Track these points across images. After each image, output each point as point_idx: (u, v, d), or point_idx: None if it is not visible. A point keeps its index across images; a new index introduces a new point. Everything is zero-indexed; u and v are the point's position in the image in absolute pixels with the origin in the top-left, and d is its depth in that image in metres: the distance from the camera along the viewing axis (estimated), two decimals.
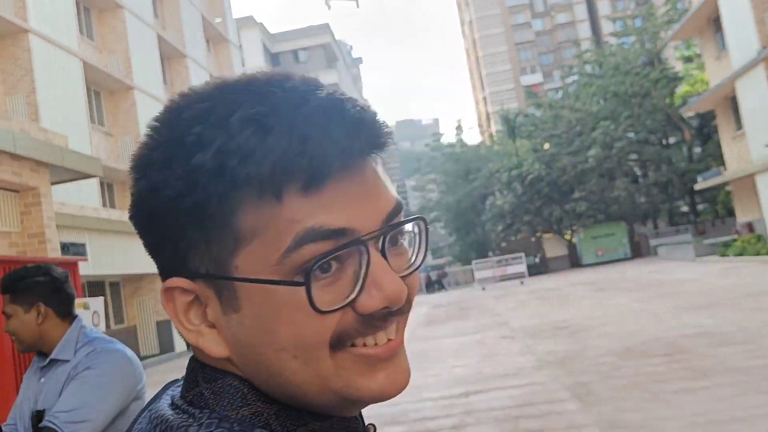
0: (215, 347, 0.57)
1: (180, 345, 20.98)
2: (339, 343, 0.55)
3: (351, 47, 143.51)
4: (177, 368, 17.26)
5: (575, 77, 54.82)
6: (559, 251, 47.48)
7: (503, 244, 47.44)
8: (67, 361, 2.14)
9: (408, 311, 0.61)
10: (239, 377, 0.57)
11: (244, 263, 0.54)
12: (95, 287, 19.28)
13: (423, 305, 30.49)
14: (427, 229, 0.62)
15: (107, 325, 19.35)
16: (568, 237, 47.60)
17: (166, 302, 0.58)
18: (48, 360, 2.18)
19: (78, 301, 7.75)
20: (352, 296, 0.54)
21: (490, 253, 50.73)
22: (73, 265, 9.18)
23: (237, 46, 43.85)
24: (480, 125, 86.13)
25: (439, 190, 63.11)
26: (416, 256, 0.61)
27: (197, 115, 0.54)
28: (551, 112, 48.43)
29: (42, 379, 2.17)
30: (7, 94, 19.84)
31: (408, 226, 0.60)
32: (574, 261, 46.49)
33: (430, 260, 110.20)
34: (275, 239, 0.53)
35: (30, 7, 19.76)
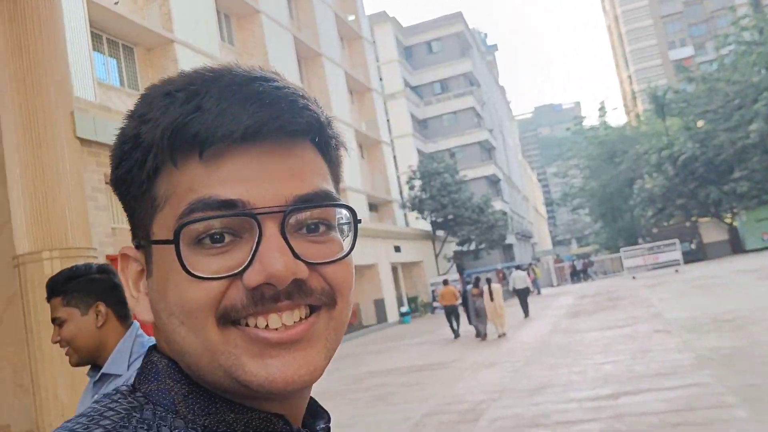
0: (143, 313, 0.60)
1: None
2: (226, 316, 0.54)
3: (486, 35, 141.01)
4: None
5: (731, 47, 50.07)
6: (718, 236, 43.66)
7: (654, 230, 44.40)
8: (119, 375, 1.86)
9: (330, 304, 0.58)
10: (161, 352, 0.59)
11: (157, 228, 0.57)
12: None
13: (568, 295, 29.17)
14: (356, 222, 0.61)
15: None
16: (728, 220, 43.68)
17: (120, 270, 0.62)
18: (100, 374, 1.91)
19: None
20: (239, 269, 0.53)
21: (640, 240, 47.77)
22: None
23: (371, 42, 44.32)
24: (625, 105, 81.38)
25: (583, 176, 60.35)
26: (345, 248, 0.59)
27: (148, 94, 0.59)
28: (705, 86, 44.57)
29: (95, 397, 1.93)
30: None
31: (341, 216, 0.60)
32: (735, 246, 42.57)
33: (574, 249, 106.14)
34: (176, 205, 0.55)
35: (175, 19, 20.95)
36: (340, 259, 0.58)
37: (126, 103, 19.86)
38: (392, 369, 12.63)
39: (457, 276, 34.46)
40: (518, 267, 29.27)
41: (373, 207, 39.06)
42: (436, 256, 37.84)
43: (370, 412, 8.30)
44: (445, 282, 19.64)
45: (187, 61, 21.55)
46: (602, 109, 58.50)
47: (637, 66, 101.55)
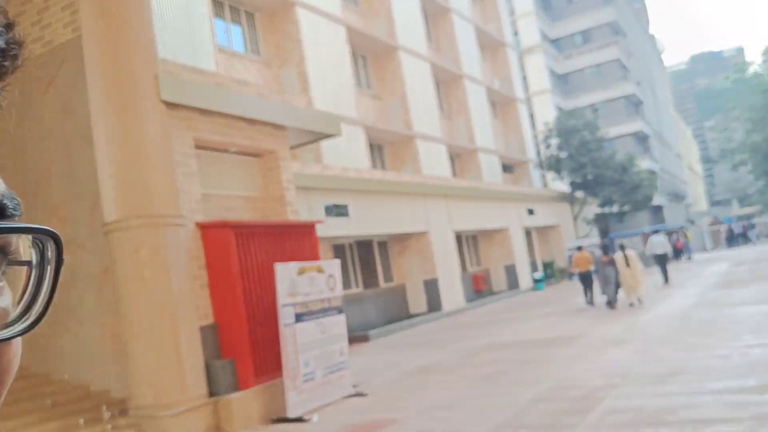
0: None
1: (448, 304, 20.87)
2: None
3: None
4: (444, 327, 17.02)
5: None
6: None
7: None
8: None
9: None
10: None
11: None
12: (363, 247, 19.90)
13: (722, 262, 26.41)
14: (59, 260, 0.36)
15: (375, 284, 19.91)
16: None
17: None
18: None
19: (310, 264, 7.40)
20: None
21: None
22: (310, 227, 9.01)
23: None
24: None
25: (744, 129, 54.53)
26: (23, 305, 0.34)
27: None
28: None
29: None
30: (281, 68, 21.24)
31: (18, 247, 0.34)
32: None
33: (735, 210, 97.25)
34: None
35: None
36: (18, 324, 0.33)
37: (249, 69, 20.06)
38: (511, 343, 11.76)
39: (597, 240, 32.39)
40: (656, 231, 26.96)
41: (507, 168, 37.57)
42: (575, 219, 35.80)
43: (473, 394, 7.56)
44: (579, 248, 18.62)
45: (310, 24, 21.38)
46: (767, 51, 52.17)
47: None
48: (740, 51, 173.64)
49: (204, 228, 7.68)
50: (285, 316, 7.53)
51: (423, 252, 20.85)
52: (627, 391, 6.44)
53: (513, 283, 27.00)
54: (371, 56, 26.53)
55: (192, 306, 7.22)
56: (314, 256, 9.12)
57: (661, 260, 20.04)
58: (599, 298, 16.54)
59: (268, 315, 7.93)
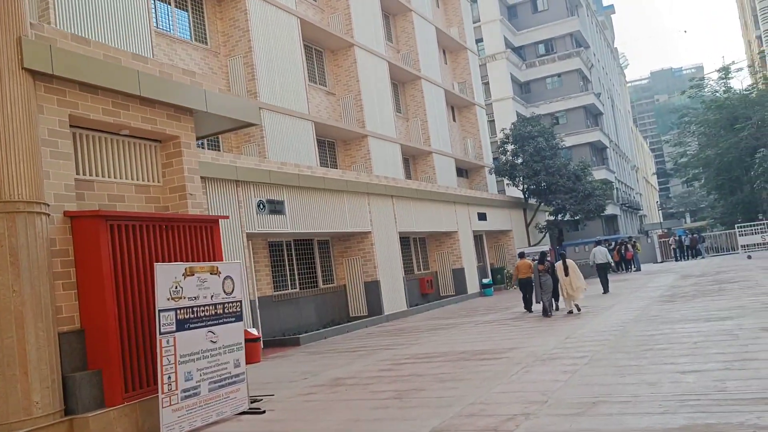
0: None
1: (389, 308, 20.06)
2: None
3: None
4: (380, 333, 16.20)
5: None
6: None
7: None
8: None
9: None
10: None
11: None
12: (303, 246, 18.97)
13: (669, 274, 26.20)
14: None
15: (314, 285, 18.97)
16: None
17: None
18: None
19: (201, 265, 6.44)
20: None
21: (760, 216, 42.92)
22: (212, 223, 8.07)
23: (468, 1, 41.68)
24: (751, 65, 73.80)
25: (698, 143, 55.14)
26: None
27: None
28: None
29: None
30: (228, 57, 20.17)
31: None
32: None
33: (688, 223, 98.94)
34: None
35: None
36: None
37: (193, 57, 18.94)
38: (439, 354, 10.98)
39: (547, 247, 32.00)
40: (598, 242, 26.98)
41: (463, 172, 37.03)
42: (528, 225, 35.40)
43: (375, 417, 6.73)
44: (521, 254, 19.05)
45: (260, 13, 20.36)
46: (723, 68, 52.80)
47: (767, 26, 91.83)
48: (699, 69, 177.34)
49: (74, 218, 6.67)
50: (163, 322, 6.57)
51: (365, 253, 20.00)
52: (541, 422, 5.66)
53: (461, 287, 26.36)
54: (327, 51, 25.63)
55: (48, 308, 6.21)
56: (215, 256, 8.18)
57: (602, 270, 20.62)
58: (537, 305, 16.55)
59: (146, 321, 6.97)
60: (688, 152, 57.62)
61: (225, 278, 7.59)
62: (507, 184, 38.02)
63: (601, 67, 67.62)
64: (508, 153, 34.84)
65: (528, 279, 16.82)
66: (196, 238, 7.93)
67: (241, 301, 7.83)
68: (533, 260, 17.71)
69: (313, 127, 21.96)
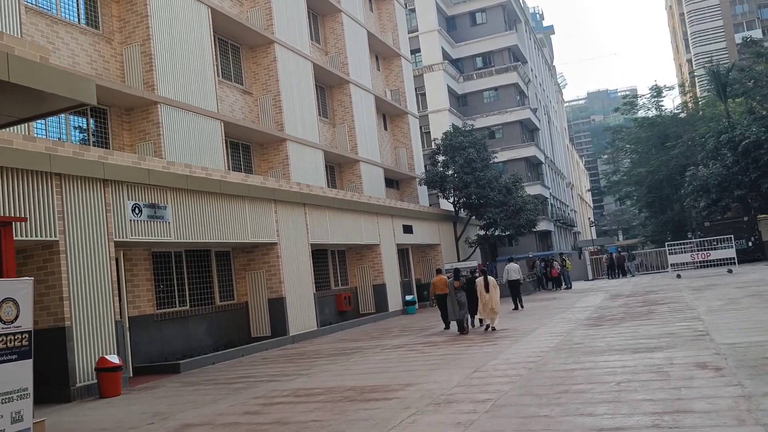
0: None
1: (296, 327, 18.15)
2: None
3: (542, 15, 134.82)
4: (273, 358, 14.30)
5: None
6: None
7: (706, 224, 39.64)
8: None
9: None
10: None
11: None
12: (196, 257, 16.86)
13: (598, 293, 25.19)
14: None
15: (210, 301, 16.90)
16: None
17: None
18: None
19: None
20: None
21: (690, 234, 42.98)
22: (4, 228, 6.07)
23: (403, 5, 40.38)
24: (681, 85, 75.38)
25: (630, 160, 55.40)
26: None
27: None
28: None
29: None
30: (123, 45, 18.00)
31: None
32: None
33: (621, 240, 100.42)
34: None
35: None
36: None
37: (81, 42, 16.68)
38: (323, 390, 9.19)
39: (476, 263, 30.71)
40: (511, 259, 26.32)
41: (393, 183, 35.50)
42: (457, 239, 34.08)
43: None
44: (438, 270, 18.51)
45: (162, 5, 18.29)
46: (655, 87, 53.24)
47: (698, 49, 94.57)
48: (633, 90, 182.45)
49: None
50: None
51: (270, 266, 18.06)
52: None
53: (382, 304, 24.66)
54: (244, 47, 23.67)
55: None
56: (9, 264, 6.20)
57: (514, 286, 21.41)
58: (453, 323, 16.29)
59: None
60: (621, 169, 57.90)
61: (2, 302, 5.61)
62: (438, 196, 36.72)
63: (538, 83, 67.67)
64: (439, 164, 33.52)
65: (444, 295, 16.51)
66: None
67: (30, 332, 5.86)
68: (449, 277, 16.86)
69: (222, 127, 19.96)
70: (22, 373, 5.77)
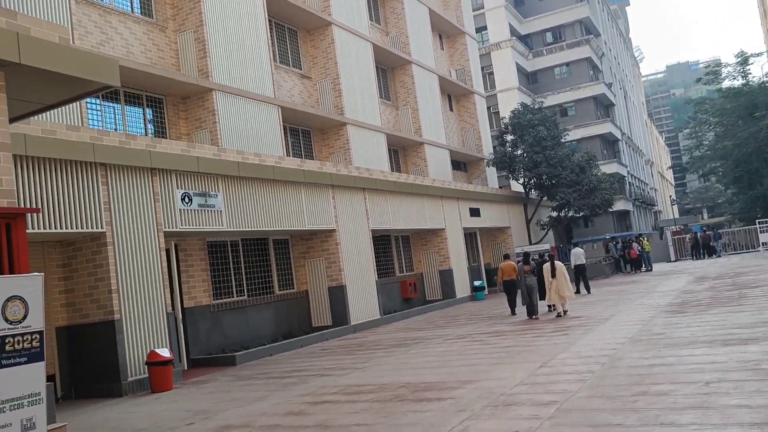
0: None
1: (357, 316, 17.57)
2: None
3: None
4: (332, 349, 13.77)
5: None
6: None
7: None
8: None
9: None
10: None
11: None
12: (254, 246, 16.48)
13: (682, 276, 23.53)
14: None
15: (268, 291, 16.53)
16: None
17: None
18: None
19: None
20: None
21: None
22: (11, 220, 5.64)
23: None
24: None
25: (714, 133, 52.09)
26: None
27: None
28: None
29: None
30: (177, 33, 17.78)
31: None
32: None
33: (705, 219, 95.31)
34: None
35: None
36: None
37: (134, 31, 16.52)
38: (374, 387, 8.52)
39: (549, 246, 29.40)
40: (576, 243, 25.15)
41: (461, 165, 34.45)
42: (528, 222, 32.75)
43: None
44: (506, 256, 17.67)
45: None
46: (741, 53, 49.70)
47: None
48: (716, 61, 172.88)
49: None
50: None
51: (330, 254, 17.55)
52: None
53: (449, 291, 23.83)
54: (301, 31, 23.18)
55: None
56: (13, 265, 5.77)
57: (579, 271, 20.98)
58: (521, 308, 15.92)
59: None
60: (704, 144, 54.59)
61: (8, 300, 5.17)
62: (508, 177, 35.43)
63: (612, 57, 64.64)
64: (507, 144, 32.23)
65: (512, 281, 16.20)
66: None
67: (41, 332, 5.40)
68: (518, 261, 16.08)
69: (280, 113, 19.53)
70: (33, 376, 5.33)
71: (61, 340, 11.25)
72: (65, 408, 9.99)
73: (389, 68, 28.59)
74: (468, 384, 7.90)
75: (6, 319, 5.14)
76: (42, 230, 9.95)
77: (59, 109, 12.90)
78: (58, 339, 11.22)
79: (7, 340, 5.14)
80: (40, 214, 9.89)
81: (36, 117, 11.56)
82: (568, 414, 5.90)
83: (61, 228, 10.23)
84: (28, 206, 9.72)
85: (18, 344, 5.23)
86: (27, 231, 9.80)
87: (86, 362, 11.07)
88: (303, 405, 7.93)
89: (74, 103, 13.41)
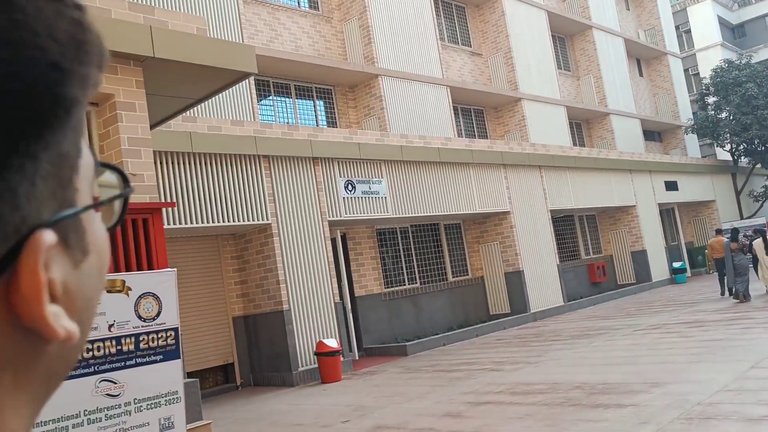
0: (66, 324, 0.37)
1: (537, 303, 16.47)
2: None
3: None
4: (509, 339, 12.95)
5: None
6: None
7: None
8: None
9: None
10: None
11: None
12: (424, 232, 16.00)
13: None
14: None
15: (441, 278, 15.98)
16: None
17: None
18: None
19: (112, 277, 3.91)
20: None
21: None
22: (150, 215, 5.59)
23: None
24: None
25: None
26: None
27: None
28: None
29: None
30: (342, 22, 17.85)
31: None
32: None
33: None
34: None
35: None
36: None
37: (301, 24, 16.86)
38: (545, 387, 7.59)
39: (764, 220, 25.76)
40: None
41: (655, 135, 31.47)
42: (738, 193, 29.01)
43: None
44: (718, 231, 16.53)
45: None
46: None
47: None
48: None
49: None
50: None
51: (504, 237, 16.61)
52: None
53: (643, 273, 21.70)
54: (469, 6, 22.32)
55: None
56: (152, 260, 5.71)
57: None
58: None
59: None
60: None
61: (141, 297, 5.07)
62: (712, 145, 31.71)
63: None
64: (709, 107, 28.74)
65: (722, 259, 15.03)
66: (123, 236, 5.51)
67: (175, 329, 5.27)
68: (727, 238, 14.11)
69: (449, 93, 18.91)
70: (170, 375, 5.22)
71: (238, 329, 11.62)
72: (240, 396, 10.24)
73: (567, 36, 26.70)
74: (656, 387, 6.71)
75: (139, 317, 5.04)
76: (213, 224, 10.25)
77: (231, 107, 13.40)
78: (235, 329, 11.60)
79: (141, 338, 5.04)
80: (212, 208, 10.17)
81: (202, 114, 12.01)
82: None
83: (230, 221, 10.47)
84: (202, 202, 10.05)
85: (152, 342, 5.12)
86: (199, 225, 10.18)
87: (262, 352, 11.32)
88: (463, 405, 7.25)
89: (246, 100, 13.87)
